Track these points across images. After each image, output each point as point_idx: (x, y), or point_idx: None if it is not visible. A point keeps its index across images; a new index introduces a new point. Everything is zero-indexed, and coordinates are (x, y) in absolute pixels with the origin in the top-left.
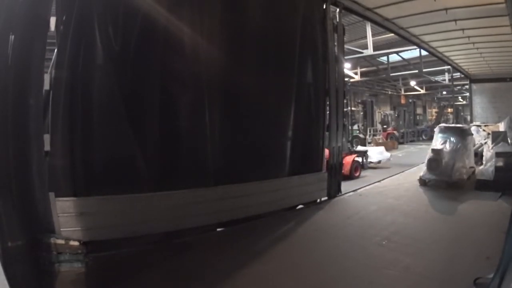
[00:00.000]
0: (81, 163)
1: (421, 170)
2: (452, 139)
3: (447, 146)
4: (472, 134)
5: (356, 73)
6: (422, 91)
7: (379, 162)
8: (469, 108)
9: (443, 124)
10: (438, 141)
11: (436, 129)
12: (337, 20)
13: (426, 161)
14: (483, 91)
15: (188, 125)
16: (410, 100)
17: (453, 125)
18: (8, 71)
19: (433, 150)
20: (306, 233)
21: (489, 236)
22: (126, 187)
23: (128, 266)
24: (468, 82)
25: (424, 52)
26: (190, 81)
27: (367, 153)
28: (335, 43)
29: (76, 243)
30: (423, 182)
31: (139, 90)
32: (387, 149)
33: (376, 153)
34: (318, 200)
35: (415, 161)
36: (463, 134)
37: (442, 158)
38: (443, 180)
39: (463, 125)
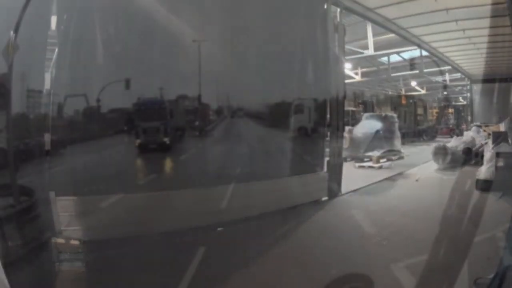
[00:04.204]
0: (81, 163)
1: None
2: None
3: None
4: (397, 122)
5: (356, 74)
6: (423, 92)
7: (381, 167)
8: (470, 109)
9: (368, 113)
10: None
11: (363, 117)
12: (338, 20)
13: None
14: (484, 91)
15: (188, 124)
16: (411, 101)
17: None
18: (8, 71)
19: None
20: (306, 233)
21: (489, 236)
22: (125, 187)
23: (128, 266)
24: (468, 82)
25: (424, 53)
26: (190, 80)
27: None
28: (336, 43)
29: (76, 242)
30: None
31: (139, 90)
32: None
33: None
34: (318, 200)
35: (415, 161)
36: (384, 121)
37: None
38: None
39: (387, 114)
